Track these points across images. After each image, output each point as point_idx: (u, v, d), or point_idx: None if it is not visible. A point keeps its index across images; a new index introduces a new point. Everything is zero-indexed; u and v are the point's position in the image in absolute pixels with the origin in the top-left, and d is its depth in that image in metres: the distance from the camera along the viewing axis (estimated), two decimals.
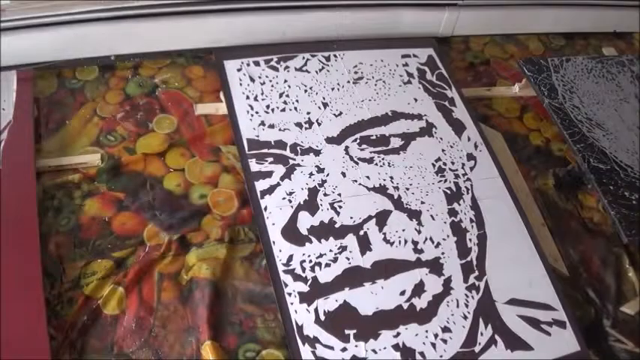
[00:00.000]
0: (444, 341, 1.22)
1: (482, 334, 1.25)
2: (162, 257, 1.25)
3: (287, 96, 1.55)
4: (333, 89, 1.60)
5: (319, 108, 1.55)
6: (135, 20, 1.55)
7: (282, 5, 1.67)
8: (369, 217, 1.36)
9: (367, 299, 1.24)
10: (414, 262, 1.32)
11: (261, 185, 1.36)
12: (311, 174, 1.41)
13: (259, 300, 1.24)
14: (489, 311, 1.28)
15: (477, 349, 1.23)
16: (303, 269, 1.25)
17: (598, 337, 1.36)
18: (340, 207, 1.37)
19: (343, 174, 1.43)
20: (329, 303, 1.22)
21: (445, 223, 1.40)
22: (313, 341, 1.16)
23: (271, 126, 1.47)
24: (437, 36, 1.86)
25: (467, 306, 1.28)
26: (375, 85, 1.64)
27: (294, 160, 1.43)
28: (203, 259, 1.26)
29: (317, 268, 1.26)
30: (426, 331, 1.22)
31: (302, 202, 1.35)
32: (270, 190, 1.36)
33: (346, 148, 1.48)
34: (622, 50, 2.11)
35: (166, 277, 1.23)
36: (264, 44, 1.66)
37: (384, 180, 1.44)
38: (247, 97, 1.52)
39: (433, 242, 1.36)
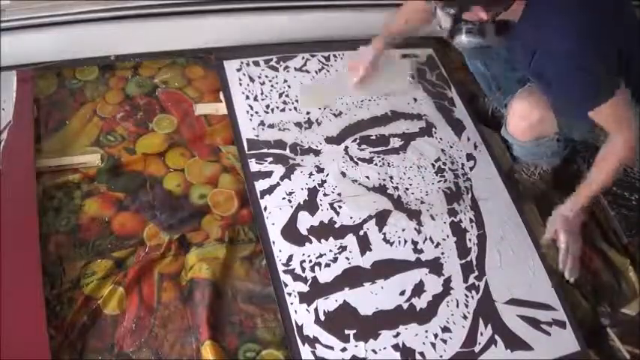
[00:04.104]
0: (444, 341, 1.22)
1: (482, 334, 1.25)
2: (162, 257, 1.25)
3: (287, 96, 1.55)
4: None
5: (319, 108, 1.55)
6: (135, 20, 1.55)
7: (282, 5, 1.67)
8: (369, 217, 1.36)
9: (367, 299, 1.24)
10: (413, 262, 1.32)
11: (261, 185, 1.36)
12: (311, 174, 1.41)
13: (259, 300, 1.24)
14: (489, 311, 1.28)
15: (476, 349, 1.23)
16: (303, 269, 1.26)
17: (598, 338, 1.36)
18: (340, 207, 1.37)
19: (343, 174, 1.43)
20: (329, 303, 1.22)
21: (445, 223, 1.40)
22: (313, 341, 1.16)
23: (271, 126, 1.47)
24: (437, 36, 1.85)
25: (467, 306, 1.28)
26: None
27: (294, 160, 1.43)
28: (203, 259, 1.26)
29: (317, 268, 1.26)
30: (426, 331, 1.22)
31: (302, 202, 1.35)
32: (270, 190, 1.36)
33: (346, 148, 1.48)
34: None
35: (166, 277, 1.23)
36: (264, 44, 1.66)
37: (384, 180, 1.44)
38: (247, 97, 1.52)
39: (433, 242, 1.36)
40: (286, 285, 1.23)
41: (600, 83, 1.12)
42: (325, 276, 1.26)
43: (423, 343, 1.21)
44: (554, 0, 1.10)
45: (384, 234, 1.35)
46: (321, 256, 1.28)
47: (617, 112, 1.16)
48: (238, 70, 1.57)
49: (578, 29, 1.08)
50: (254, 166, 1.39)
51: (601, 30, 1.09)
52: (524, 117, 1.32)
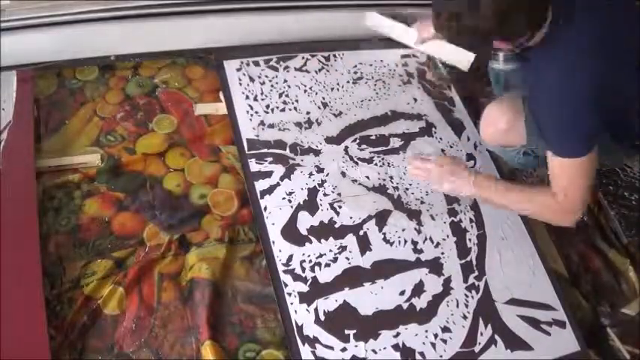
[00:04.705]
0: (444, 341, 1.22)
1: (482, 334, 1.25)
2: (162, 257, 1.25)
3: (287, 96, 1.55)
4: (332, 89, 1.60)
5: (319, 108, 1.55)
6: (135, 20, 1.55)
7: (282, 5, 1.67)
8: (369, 217, 1.36)
9: (367, 299, 1.24)
10: (413, 262, 1.32)
11: (261, 185, 1.36)
12: (311, 174, 1.41)
13: (259, 300, 1.24)
14: (489, 311, 1.29)
15: (476, 349, 1.23)
16: (303, 269, 1.26)
17: (598, 338, 1.36)
18: (340, 207, 1.37)
19: (343, 174, 1.43)
20: (329, 303, 1.22)
21: (445, 223, 1.40)
22: (313, 341, 1.17)
23: (271, 126, 1.47)
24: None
25: (467, 306, 1.28)
26: (375, 85, 1.64)
27: (294, 160, 1.43)
28: (203, 259, 1.26)
29: (317, 268, 1.26)
30: (426, 331, 1.22)
31: (302, 202, 1.35)
32: (270, 190, 1.36)
33: (346, 148, 1.48)
34: None
35: (166, 277, 1.23)
36: (264, 44, 1.66)
37: (384, 180, 1.44)
38: (247, 97, 1.52)
39: (433, 242, 1.36)
40: (286, 285, 1.23)
41: (575, 136, 1.09)
42: (325, 276, 1.26)
43: (423, 343, 1.21)
44: (570, 42, 1.06)
45: (384, 234, 1.35)
46: (321, 256, 1.28)
47: (572, 173, 1.12)
48: (238, 70, 1.57)
49: (580, 81, 1.04)
50: (254, 166, 1.39)
51: (603, 85, 1.05)
52: (492, 123, 1.34)
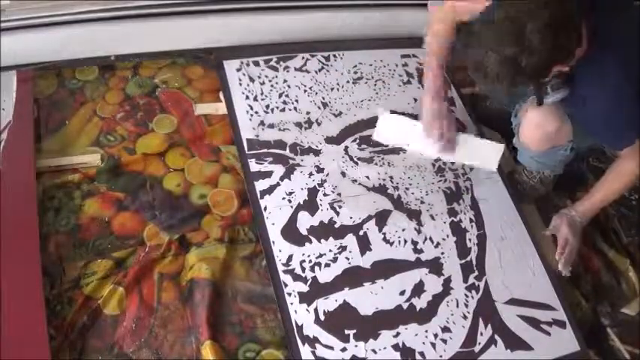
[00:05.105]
0: (444, 341, 1.22)
1: (482, 334, 1.25)
2: (162, 257, 1.25)
3: (287, 96, 1.55)
4: (332, 89, 1.60)
5: (319, 108, 1.55)
6: (135, 20, 1.55)
7: (282, 5, 1.67)
8: (369, 217, 1.36)
9: (367, 299, 1.24)
10: (413, 262, 1.32)
11: (260, 185, 1.36)
12: (310, 174, 1.41)
13: (259, 300, 1.24)
14: (489, 311, 1.28)
15: (476, 349, 1.23)
16: (303, 269, 1.26)
17: (598, 338, 1.36)
18: (340, 207, 1.37)
19: (343, 174, 1.43)
20: (329, 303, 1.22)
21: (445, 223, 1.40)
22: (313, 341, 1.17)
23: (271, 126, 1.47)
24: None
25: (467, 306, 1.28)
26: (375, 85, 1.64)
27: (294, 160, 1.43)
28: (203, 259, 1.26)
29: (317, 268, 1.26)
30: (426, 331, 1.22)
31: (302, 202, 1.35)
32: (270, 190, 1.36)
33: (346, 148, 1.48)
34: None
35: (166, 277, 1.23)
36: (264, 44, 1.66)
37: (384, 180, 1.44)
38: (247, 97, 1.52)
39: (433, 242, 1.36)
40: (286, 285, 1.23)
41: (633, 135, 1.15)
42: (325, 276, 1.26)
43: (423, 343, 1.21)
44: (611, 47, 1.07)
45: (384, 234, 1.35)
46: (321, 256, 1.28)
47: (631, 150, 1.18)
48: (238, 70, 1.57)
49: (629, 87, 1.08)
50: (254, 166, 1.39)
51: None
52: (540, 125, 1.28)
